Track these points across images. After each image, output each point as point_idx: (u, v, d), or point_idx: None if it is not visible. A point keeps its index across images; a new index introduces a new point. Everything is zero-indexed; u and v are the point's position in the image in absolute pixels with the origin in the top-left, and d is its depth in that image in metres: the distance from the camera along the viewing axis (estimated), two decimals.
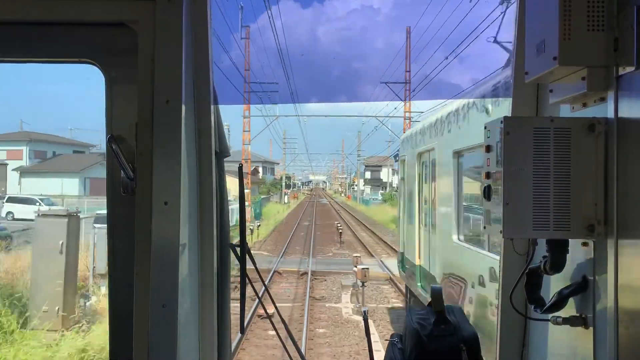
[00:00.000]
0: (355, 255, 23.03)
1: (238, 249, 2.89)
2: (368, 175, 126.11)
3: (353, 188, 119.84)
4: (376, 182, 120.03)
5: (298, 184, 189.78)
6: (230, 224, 3.01)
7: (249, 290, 2.86)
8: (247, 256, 2.87)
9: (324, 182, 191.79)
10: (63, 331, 11.79)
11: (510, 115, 2.61)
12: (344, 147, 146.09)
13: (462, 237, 10.71)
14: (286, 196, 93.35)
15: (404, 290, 18.21)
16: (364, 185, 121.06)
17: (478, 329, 2.43)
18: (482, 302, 9.09)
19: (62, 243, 12.46)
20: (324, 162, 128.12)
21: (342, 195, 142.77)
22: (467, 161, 10.57)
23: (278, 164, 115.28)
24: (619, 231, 1.93)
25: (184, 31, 2.42)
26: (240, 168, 3.08)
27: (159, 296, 2.34)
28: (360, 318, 16.11)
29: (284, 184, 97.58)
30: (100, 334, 11.29)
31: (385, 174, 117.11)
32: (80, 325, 12.28)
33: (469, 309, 9.38)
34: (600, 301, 2.07)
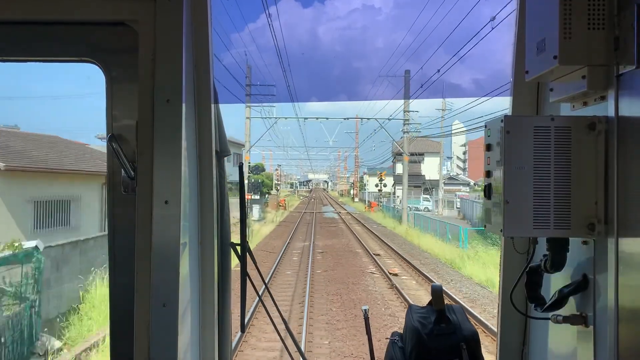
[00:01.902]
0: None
1: (238, 248, 2.90)
2: (399, 168, 73.40)
3: (379, 190, 71.48)
4: (414, 181, 68.78)
5: (295, 183, 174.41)
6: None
7: (249, 289, 2.86)
8: (247, 255, 2.88)
9: (326, 181, 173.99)
10: None
11: (510, 114, 2.61)
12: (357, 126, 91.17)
13: None
14: (256, 211, 48.05)
15: None
16: (393, 185, 75.06)
17: None
18: None
19: None
20: (331, 140, 78.55)
21: (356, 200, 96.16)
22: None
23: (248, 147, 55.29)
24: (620, 230, 1.93)
25: (184, 30, 2.43)
26: (241, 167, 3.10)
27: (160, 295, 2.34)
28: None
29: (247, 182, 38.96)
30: None
31: (431, 168, 72.02)
32: None
33: None
34: (600, 300, 2.07)
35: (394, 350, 2.57)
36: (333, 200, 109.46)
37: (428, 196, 67.58)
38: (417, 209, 56.57)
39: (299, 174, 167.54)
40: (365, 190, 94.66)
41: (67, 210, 20.11)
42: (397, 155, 71.62)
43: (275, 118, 47.79)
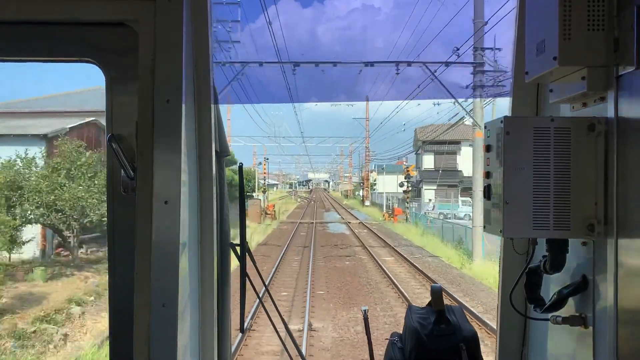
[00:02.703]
0: None
1: (238, 248, 2.90)
2: (429, 161, 55.91)
3: (405, 191, 52.41)
4: (447, 178, 50.35)
5: (294, 183, 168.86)
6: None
7: (249, 290, 2.87)
8: (247, 255, 2.88)
9: (327, 181, 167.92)
10: None
11: (510, 114, 2.62)
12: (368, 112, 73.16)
13: None
14: None
15: None
16: (420, 183, 57.79)
17: None
18: None
19: None
20: (347, 104, 59.27)
21: (367, 204, 76.20)
22: None
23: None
24: (619, 231, 1.93)
25: (184, 31, 2.43)
26: (241, 167, 3.11)
27: (159, 295, 2.34)
28: None
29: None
30: None
31: (464, 161, 49.33)
32: None
33: None
34: (599, 301, 2.07)
35: (393, 351, 2.57)
36: (337, 203, 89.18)
37: (469, 199, 45.38)
38: (454, 216, 39.76)
39: (298, 173, 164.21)
40: (374, 191, 77.74)
41: None
42: (424, 144, 52.58)
43: (243, 63, 25.97)
